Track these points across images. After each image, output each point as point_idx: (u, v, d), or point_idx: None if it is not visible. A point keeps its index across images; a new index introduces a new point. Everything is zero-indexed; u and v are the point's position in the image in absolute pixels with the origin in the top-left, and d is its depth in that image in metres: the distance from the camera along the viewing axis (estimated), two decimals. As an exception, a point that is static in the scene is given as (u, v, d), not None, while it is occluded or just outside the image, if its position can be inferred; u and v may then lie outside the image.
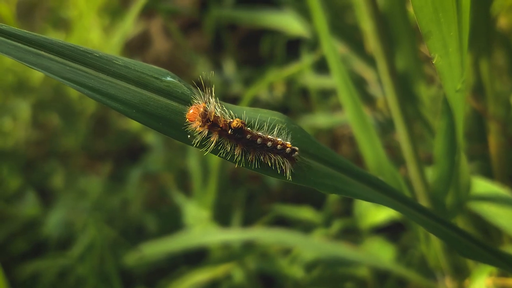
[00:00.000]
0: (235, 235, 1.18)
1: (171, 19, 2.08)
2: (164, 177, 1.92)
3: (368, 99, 1.28)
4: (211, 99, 0.46)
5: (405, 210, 0.49)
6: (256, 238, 1.19)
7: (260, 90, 1.76)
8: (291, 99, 1.95)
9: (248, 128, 0.46)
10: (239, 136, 0.45)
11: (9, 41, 0.38)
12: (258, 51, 2.05)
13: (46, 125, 2.35)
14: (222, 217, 1.45)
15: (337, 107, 1.77)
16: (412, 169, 0.79)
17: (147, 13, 2.26)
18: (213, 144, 0.45)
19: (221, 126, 0.45)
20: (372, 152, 0.81)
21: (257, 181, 1.85)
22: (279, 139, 0.47)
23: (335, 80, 0.80)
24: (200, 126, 0.45)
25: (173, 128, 0.44)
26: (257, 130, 0.46)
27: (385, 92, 1.08)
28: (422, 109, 1.06)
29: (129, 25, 1.21)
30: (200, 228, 1.24)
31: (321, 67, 1.75)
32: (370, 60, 1.16)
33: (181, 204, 1.41)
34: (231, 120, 0.46)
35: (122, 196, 1.75)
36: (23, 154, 2.19)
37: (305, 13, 1.22)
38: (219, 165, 1.43)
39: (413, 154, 0.77)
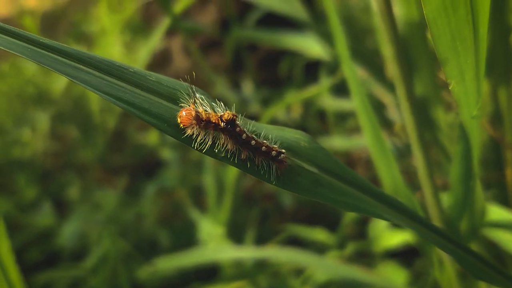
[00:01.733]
0: (248, 253, 1.19)
1: (192, 37, 2.11)
2: (178, 192, 1.94)
3: (386, 123, 1.29)
4: (197, 98, 0.46)
5: (421, 231, 0.50)
6: (269, 257, 1.20)
7: (278, 110, 1.78)
8: (308, 121, 1.96)
9: (238, 122, 0.47)
10: (231, 128, 0.46)
11: (51, 54, 0.40)
12: (276, 72, 2.07)
13: (64, 137, 2.39)
14: (235, 235, 1.46)
15: (354, 130, 1.78)
16: (427, 193, 0.80)
17: (168, 31, 2.30)
18: (209, 142, 0.45)
19: (214, 121, 0.46)
20: (389, 176, 0.82)
21: (271, 201, 1.86)
22: (264, 141, 0.48)
23: (354, 103, 0.81)
24: (196, 128, 0.45)
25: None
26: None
27: (403, 117, 1.09)
28: (439, 135, 1.06)
29: (155, 43, 1.23)
30: (213, 244, 1.25)
31: (339, 89, 1.77)
32: (389, 85, 1.17)
33: (196, 219, 1.42)
34: (222, 113, 0.47)
35: (137, 210, 1.76)
36: (41, 164, 2.22)
37: (326, 36, 1.24)
38: (234, 182, 1.45)
39: (429, 179, 0.77)
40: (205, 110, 0.46)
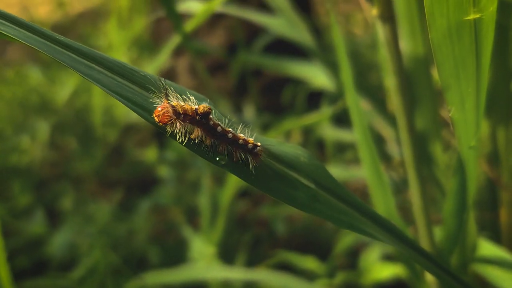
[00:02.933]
0: (238, 274, 1.18)
1: (199, 58, 2.13)
2: (172, 211, 1.94)
3: (384, 157, 1.30)
4: (170, 93, 0.46)
5: (412, 254, 0.51)
6: (259, 280, 1.20)
7: (277, 136, 1.79)
8: (307, 149, 1.97)
9: (211, 116, 0.47)
10: (205, 121, 0.46)
11: (64, 51, 0.41)
12: (279, 99, 2.09)
13: (63, 147, 2.39)
14: (226, 257, 1.46)
15: (352, 162, 1.79)
16: (420, 226, 0.81)
17: (175, 50, 2.32)
18: (185, 135, 0.45)
19: (191, 114, 0.46)
20: (384, 208, 0.83)
21: (264, 227, 1.86)
22: (241, 134, 0.48)
23: (355, 133, 0.82)
24: (176, 124, 0.45)
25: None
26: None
27: (402, 150, 1.10)
28: (436, 171, 1.07)
29: (162, 61, 1.25)
30: (204, 263, 1.25)
31: (340, 120, 1.78)
32: (390, 118, 1.19)
33: (189, 237, 1.42)
34: (197, 106, 0.47)
35: (129, 226, 1.76)
36: (37, 173, 2.22)
37: (331, 66, 1.25)
38: (229, 203, 1.45)
39: (423, 210, 0.78)
40: (181, 104, 0.46)
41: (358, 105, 0.80)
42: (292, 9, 1.28)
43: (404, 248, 0.51)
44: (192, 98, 0.48)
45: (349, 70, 0.80)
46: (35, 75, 2.84)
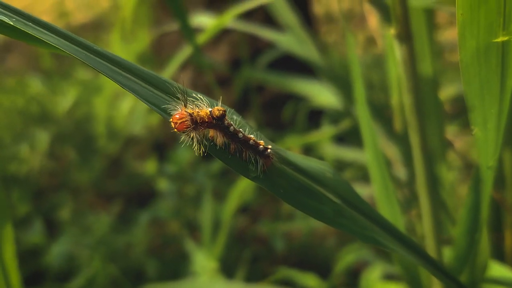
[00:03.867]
0: (240, 288, 1.18)
1: (202, 73, 2.14)
2: (170, 224, 1.94)
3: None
4: (185, 100, 0.46)
5: (432, 270, 0.52)
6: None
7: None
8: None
9: (227, 118, 0.48)
10: (220, 123, 0.47)
11: (102, 61, 0.41)
12: (280, 115, 2.10)
13: (62, 157, 2.39)
14: (226, 272, 1.46)
15: (352, 180, 1.79)
16: (430, 245, 0.81)
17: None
18: (202, 140, 0.46)
19: (207, 121, 0.46)
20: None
21: (262, 244, 1.86)
22: (252, 136, 0.49)
23: (367, 154, 0.83)
24: (193, 133, 0.46)
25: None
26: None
27: (410, 170, 1.11)
28: (442, 192, 1.08)
29: (170, 74, 1.26)
30: (207, 277, 1.25)
31: (340, 139, 1.79)
32: (396, 138, 1.20)
33: (191, 251, 1.42)
34: (212, 110, 0.47)
35: (128, 238, 1.75)
36: (36, 182, 2.21)
37: (337, 84, 1.27)
38: (230, 219, 1.45)
39: (434, 230, 0.79)
40: (197, 111, 0.46)
41: (370, 124, 0.81)
42: (300, 26, 1.29)
43: (423, 262, 0.52)
44: (205, 101, 0.48)
45: (362, 89, 0.81)
46: (35, 84, 2.84)
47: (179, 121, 0.44)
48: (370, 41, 3.16)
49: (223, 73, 2.14)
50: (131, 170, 2.28)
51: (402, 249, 0.49)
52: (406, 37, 0.66)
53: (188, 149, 1.97)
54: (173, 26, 1.85)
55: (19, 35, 0.39)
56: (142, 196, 2.15)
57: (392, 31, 0.67)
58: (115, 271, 1.58)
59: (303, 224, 1.78)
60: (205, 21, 1.25)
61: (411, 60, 0.67)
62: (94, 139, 2.38)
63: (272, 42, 1.44)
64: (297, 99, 1.92)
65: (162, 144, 2.33)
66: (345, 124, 1.36)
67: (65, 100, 2.46)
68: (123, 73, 0.42)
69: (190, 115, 0.45)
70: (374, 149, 0.81)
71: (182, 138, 0.46)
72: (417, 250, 0.52)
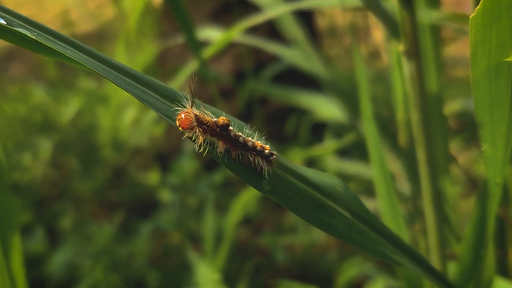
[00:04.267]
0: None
1: (205, 84, 2.15)
2: (172, 235, 1.94)
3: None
4: (194, 103, 0.47)
5: (436, 282, 0.53)
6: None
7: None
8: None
9: (231, 128, 0.48)
10: (225, 133, 0.48)
11: (119, 75, 0.42)
12: (283, 128, 2.10)
13: (64, 166, 2.39)
14: (227, 284, 1.46)
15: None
16: (435, 260, 0.82)
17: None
18: (204, 144, 0.46)
19: (211, 126, 0.47)
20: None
21: (264, 256, 1.86)
22: (259, 142, 0.50)
23: (373, 168, 0.84)
24: (195, 131, 0.46)
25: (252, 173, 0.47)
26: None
27: (414, 184, 1.12)
28: (445, 207, 1.09)
29: (178, 86, 1.26)
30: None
31: (343, 152, 1.80)
32: (400, 152, 1.20)
33: (194, 262, 1.42)
34: (217, 118, 0.48)
35: (129, 248, 1.75)
36: (38, 191, 2.22)
37: (342, 97, 1.27)
38: (233, 231, 1.46)
39: (439, 245, 0.79)
40: (203, 114, 0.47)
41: (377, 140, 0.82)
42: (306, 41, 1.31)
43: (431, 277, 0.52)
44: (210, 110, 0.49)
45: (369, 104, 0.81)
46: (39, 93, 2.84)
47: (183, 117, 0.45)
48: (374, 55, 3.18)
49: (226, 85, 2.15)
50: (133, 180, 2.28)
51: (410, 263, 0.50)
52: (414, 53, 0.67)
53: (191, 160, 1.98)
54: (178, 39, 1.86)
55: (41, 49, 0.40)
56: (144, 206, 2.15)
57: (400, 47, 0.68)
58: (117, 281, 1.58)
59: (305, 237, 1.78)
60: (211, 35, 1.26)
61: (419, 77, 0.67)
62: (97, 149, 2.39)
63: (276, 55, 1.45)
64: (300, 112, 1.93)
65: (165, 155, 2.33)
66: (349, 138, 1.37)
67: (68, 109, 2.47)
68: (140, 87, 0.42)
69: (196, 114, 0.46)
70: (381, 164, 0.81)
71: (186, 134, 0.46)
72: (425, 265, 0.52)
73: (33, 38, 0.38)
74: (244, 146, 0.48)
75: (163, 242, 1.95)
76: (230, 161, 0.46)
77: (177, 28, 2.28)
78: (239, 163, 0.47)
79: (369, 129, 0.82)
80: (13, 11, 0.40)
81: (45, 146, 2.32)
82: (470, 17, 0.43)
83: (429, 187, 0.77)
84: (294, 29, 1.33)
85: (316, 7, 2.07)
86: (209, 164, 2.13)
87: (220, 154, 0.46)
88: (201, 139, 0.46)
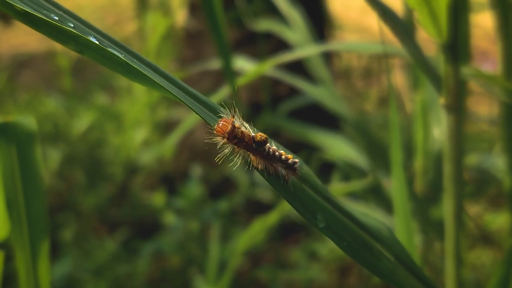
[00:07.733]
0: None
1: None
2: (173, 259, 1.93)
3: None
4: (237, 115, 0.49)
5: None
6: None
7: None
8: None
9: (268, 144, 0.50)
10: (260, 149, 0.49)
11: (194, 101, 0.44)
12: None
13: (70, 179, 2.40)
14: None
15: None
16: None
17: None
18: (238, 158, 0.49)
19: (246, 140, 0.49)
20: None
21: (262, 288, 1.86)
22: (282, 151, 0.51)
23: (396, 219, 0.84)
24: (227, 142, 0.48)
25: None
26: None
27: (445, 232, 1.13)
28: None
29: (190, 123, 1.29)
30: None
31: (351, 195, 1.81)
32: (415, 200, 1.22)
33: (197, 286, 1.43)
34: (254, 134, 0.49)
35: (129, 268, 1.75)
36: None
37: (366, 139, 1.29)
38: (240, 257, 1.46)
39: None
40: (242, 127, 0.49)
41: (404, 192, 0.83)
42: (331, 80, 1.33)
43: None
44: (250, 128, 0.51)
45: (400, 151, 0.83)
46: (50, 102, 2.86)
47: (221, 126, 0.47)
48: (383, 100, 3.21)
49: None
50: (138, 200, 2.28)
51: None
52: (455, 108, 0.69)
53: (198, 185, 1.98)
54: (199, 65, 1.89)
55: (128, 72, 0.41)
56: (145, 227, 2.15)
57: (441, 100, 0.70)
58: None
59: (306, 274, 1.78)
60: (246, 66, 1.29)
61: (458, 131, 0.69)
62: (104, 165, 2.39)
63: (293, 88, 1.48)
64: (311, 148, 1.95)
65: (171, 178, 2.34)
66: (366, 181, 1.38)
67: (80, 123, 2.49)
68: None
69: (233, 126, 0.48)
70: (405, 217, 0.82)
71: (216, 139, 0.49)
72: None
73: (124, 61, 0.39)
74: (274, 158, 0.50)
75: (162, 265, 1.95)
76: (289, 192, 0.48)
77: (198, 55, 2.32)
78: (291, 192, 0.48)
79: (397, 177, 0.83)
80: (103, 32, 0.42)
81: (54, 156, 2.33)
82: None
83: (453, 239, 0.78)
84: (320, 68, 1.36)
85: (350, 51, 2.11)
86: (214, 190, 2.14)
87: (261, 172, 0.48)
88: (232, 149, 0.48)
